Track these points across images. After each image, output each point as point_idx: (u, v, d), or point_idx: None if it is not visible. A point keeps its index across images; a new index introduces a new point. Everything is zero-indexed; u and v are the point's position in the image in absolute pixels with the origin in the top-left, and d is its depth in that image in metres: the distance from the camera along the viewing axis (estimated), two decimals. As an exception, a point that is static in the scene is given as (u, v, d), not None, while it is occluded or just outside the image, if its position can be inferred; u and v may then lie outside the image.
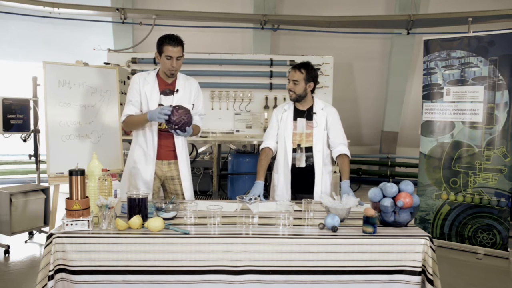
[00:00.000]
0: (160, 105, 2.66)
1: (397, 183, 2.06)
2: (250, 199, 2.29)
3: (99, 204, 1.90)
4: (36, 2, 5.70)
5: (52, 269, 1.78)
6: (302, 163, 2.75)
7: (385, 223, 2.03)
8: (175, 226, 1.95)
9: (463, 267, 3.68)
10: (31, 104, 4.44)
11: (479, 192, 3.93)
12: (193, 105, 2.79)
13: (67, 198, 1.89)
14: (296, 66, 2.74)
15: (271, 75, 5.99)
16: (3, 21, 6.52)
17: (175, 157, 2.77)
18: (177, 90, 2.72)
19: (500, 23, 5.63)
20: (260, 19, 6.22)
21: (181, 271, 1.82)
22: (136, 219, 1.91)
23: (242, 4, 6.86)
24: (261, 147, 2.87)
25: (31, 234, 4.20)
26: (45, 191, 4.19)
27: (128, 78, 5.46)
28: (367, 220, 1.91)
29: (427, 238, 1.87)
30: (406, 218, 2.00)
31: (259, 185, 2.61)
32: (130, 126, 2.75)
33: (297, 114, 2.80)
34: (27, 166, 6.74)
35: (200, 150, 6.03)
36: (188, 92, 2.78)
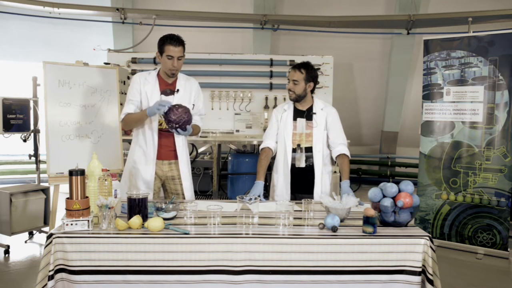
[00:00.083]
0: None
1: (397, 183, 2.05)
2: (250, 199, 2.29)
3: (99, 204, 1.90)
4: (36, 2, 5.70)
5: (52, 269, 1.78)
6: (302, 163, 2.75)
7: (385, 223, 2.03)
8: (175, 226, 1.95)
9: (463, 267, 3.68)
10: (31, 104, 4.44)
11: (479, 192, 3.93)
12: (194, 105, 2.79)
13: (67, 198, 1.89)
14: (296, 66, 2.74)
15: (271, 75, 5.99)
16: (3, 21, 6.52)
17: (176, 157, 2.77)
18: (178, 90, 2.73)
19: (500, 23, 5.63)
20: (260, 19, 6.23)
21: (181, 271, 1.82)
22: (136, 219, 1.91)
23: (242, 4, 6.86)
24: (261, 147, 2.87)
25: (31, 234, 4.20)
26: (45, 191, 4.19)
27: (128, 78, 5.46)
28: (367, 220, 1.91)
29: (427, 238, 1.87)
30: (406, 218, 2.00)
31: (259, 185, 2.61)
32: (129, 124, 2.74)
33: (297, 114, 2.80)
34: (27, 166, 6.74)
35: (200, 150, 6.04)
36: (189, 92, 2.78)
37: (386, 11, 6.85)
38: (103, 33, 6.79)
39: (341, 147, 2.77)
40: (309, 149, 2.76)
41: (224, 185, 5.99)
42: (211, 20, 6.36)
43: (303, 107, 2.80)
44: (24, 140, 4.41)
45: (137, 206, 1.99)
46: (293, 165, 2.76)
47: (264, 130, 2.90)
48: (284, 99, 5.89)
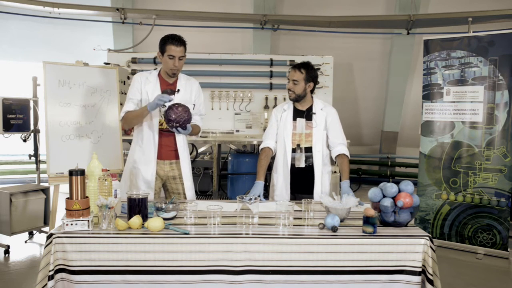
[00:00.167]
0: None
1: (397, 183, 2.05)
2: (250, 199, 2.29)
3: (99, 204, 1.90)
4: (36, 2, 5.70)
5: (52, 269, 1.78)
6: (301, 163, 2.75)
7: (385, 223, 2.03)
8: (175, 226, 1.95)
9: (463, 267, 3.68)
10: (31, 104, 4.45)
11: (479, 192, 3.93)
12: (194, 105, 2.79)
13: (67, 198, 1.89)
14: (296, 66, 2.73)
15: (271, 75, 5.99)
16: (3, 21, 6.52)
17: (177, 157, 2.78)
18: (178, 90, 2.73)
19: (500, 23, 5.63)
20: (260, 19, 6.23)
21: (181, 271, 1.82)
22: (136, 219, 1.91)
23: (242, 4, 6.87)
24: (260, 147, 2.87)
25: (31, 234, 4.20)
26: (45, 191, 4.19)
27: (128, 78, 5.46)
28: (367, 220, 1.91)
29: (427, 238, 1.87)
30: (406, 218, 2.00)
31: (259, 185, 2.61)
32: (129, 121, 2.73)
33: (297, 114, 2.80)
34: (27, 166, 6.74)
35: (200, 150, 6.04)
36: (189, 92, 2.79)
37: (386, 11, 6.85)
38: (103, 33, 6.79)
39: (341, 147, 2.77)
40: (308, 149, 2.76)
41: (224, 185, 5.99)
42: (211, 20, 6.36)
43: (302, 107, 2.80)
44: (24, 140, 4.41)
45: (137, 206, 1.99)
46: (292, 165, 2.76)
47: (264, 130, 2.89)
48: (284, 99, 5.89)
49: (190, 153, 3.10)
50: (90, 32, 6.78)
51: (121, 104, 3.81)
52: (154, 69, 2.80)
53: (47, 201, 4.17)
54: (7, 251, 3.78)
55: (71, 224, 1.85)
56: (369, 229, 1.90)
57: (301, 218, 2.09)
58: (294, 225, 2.01)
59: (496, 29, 4.27)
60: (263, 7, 6.63)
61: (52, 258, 1.79)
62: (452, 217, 4.08)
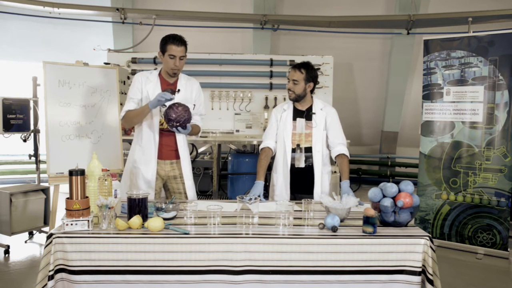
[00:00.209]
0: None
1: (397, 183, 2.05)
2: (250, 199, 2.29)
3: (99, 204, 1.90)
4: (36, 2, 5.70)
5: (52, 269, 1.78)
6: (301, 163, 2.75)
7: (385, 223, 2.03)
8: (175, 226, 1.95)
9: (463, 267, 3.68)
10: (31, 104, 4.45)
11: (479, 192, 3.93)
12: (194, 105, 2.80)
13: (67, 198, 1.89)
14: (296, 66, 2.74)
15: (271, 75, 5.99)
16: (3, 21, 6.52)
17: (177, 157, 2.78)
18: (179, 90, 2.73)
19: (500, 23, 5.63)
20: (260, 19, 6.23)
21: (181, 271, 1.82)
22: (136, 219, 1.91)
23: (242, 4, 6.87)
24: (260, 147, 2.87)
25: (31, 234, 4.20)
26: (45, 191, 4.19)
27: (128, 78, 5.46)
28: (367, 220, 1.91)
29: (427, 238, 1.87)
30: (406, 218, 2.00)
31: (259, 185, 2.61)
32: (130, 120, 2.72)
33: (296, 114, 2.80)
34: (27, 166, 6.74)
35: (200, 150, 6.04)
36: (190, 92, 2.79)
37: (386, 11, 6.85)
38: (103, 33, 6.79)
39: (340, 147, 2.77)
40: (308, 149, 2.76)
41: (224, 185, 5.99)
42: (211, 20, 6.36)
43: (302, 107, 2.80)
44: (24, 140, 4.41)
45: (137, 206, 1.99)
46: (292, 165, 2.76)
47: (264, 130, 2.90)
48: (284, 99, 5.89)
49: (190, 153, 3.10)
50: (90, 32, 6.78)
51: (121, 104, 3.81)
52: (154, 69, 2.80)
53: (47, 201, 4.17)
54: (7, 251, 3.78)
55: (71, 224, 1.85)
56: (369, 229, 1.90)
57: (301, 218, 2.09)
58: (294, 225, 2.01)
59: (496, 29, 4.27)
60: (263, 7, 6.63)
61: (52, 258, 1.79)
62: (452, 217, 4.08)
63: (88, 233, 1.84)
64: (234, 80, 5.98)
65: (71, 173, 1.89)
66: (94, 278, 1.81)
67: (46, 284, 1.77)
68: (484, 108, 3.88)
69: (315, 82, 2.77)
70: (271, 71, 5.99)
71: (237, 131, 5.93)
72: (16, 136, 4.42)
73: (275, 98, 6.01)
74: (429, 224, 4.20)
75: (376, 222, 1.94)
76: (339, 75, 6.32)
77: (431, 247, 1.85)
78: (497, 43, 3.80)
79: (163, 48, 2.62)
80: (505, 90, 3.78)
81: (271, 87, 6.01)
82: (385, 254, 1.85)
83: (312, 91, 2.79)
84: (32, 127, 4.45)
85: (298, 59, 4.52)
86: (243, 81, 5.99)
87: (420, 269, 1.85)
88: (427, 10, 6.60)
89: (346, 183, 2.60)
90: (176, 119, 2.50)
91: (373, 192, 2.05)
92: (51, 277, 1.77)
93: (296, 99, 2.76)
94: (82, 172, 1.91)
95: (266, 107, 5.99)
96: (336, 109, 2.85)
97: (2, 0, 5.58)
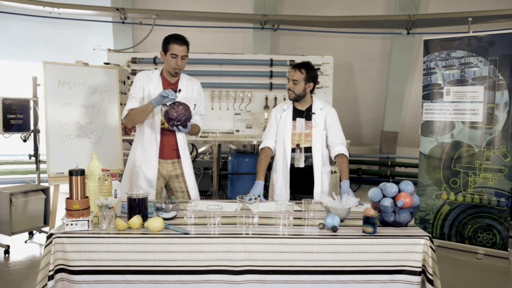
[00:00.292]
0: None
1: (397, 183, 2.05)
2: (250, 199, 2.29)
3: (99, 204, 1.90)
4: (36, 2, 5.70)
5: (52, 269, 1.78)
6: (301, 163, 2.75)
7: (385, 223, 2.03)
8: (175, 226, 1.95)
9: (463, 267, 3.68)
10: (31, 104, 4.44)
11: (479, 192, 3.93)
12: (195, 105, 2.80)
13: (67, 198, 1.89)
14: (296, 66, 2.74)
15: (271, 75, 5.99)
16: (3, 21, 6.52)
17: (178, 156, 2.78)
18: (180, 90, 2.73)
19: (500, 23, 5.63)
20: (260, 19, 6.23)
21: (181, 271, 1.82)
22: (136, 219, 1.91)
23: (242, 4, 6.87)
24: (260, 147, 2.87)
25: (31, 234, 4.20)
26: (45, 191, 4.19)
27: (128, 78, 5.46)
28: (367, 220, 1.91)
29: (427, 238, 1.87)
30: (406, 218, 2.00)
31: (259, 185, 2.61)
32: (133, 118, 2.71)
33: (296, 114, 2.80)
34: (27, 166, 6.74)
35: (200, 150, 6.04)
36: (191, 92, 2.80)
37: (386, 11, 6.85)
38: (103, 33, 6.79)
39: (340, 147, 2.77)
40: (308, 149, 2.76)
41: (224, 185, 5.99)
42: (211, 20, 6.36)
43: (302, 107, 2.80)
44: (24, 140, 4.41)
45: (137, 206, 1.99)
46: (292, 165, 2.76)
47: (264, 130, 2.90)
48: (284, 99, 5.89)
49: (190, 153, 3.10)
50: (90, 32, 6.78)
51: (121, 104, 3.82)
52: (155, 69, 2.80)
53: (47, 201, 4.17)
54: (7, 251, 3.78)
55: (71, 224, 1.85)
56: (369, 229, 1.90)
57: (301, 218, 2.09)
58: (294, 225, 2.01)
59: (496, 29, 4.27)
60: (263, 7, 6.63)
61: (52, 258, 1.79)
62: (452, 217, 4.08)
63: (88, 233, 1.84)
64: (234, 80, 5.98)
65: (71, 173, 1.89)
66: (94, 278, 1.81)
67: (46, 284, 1.77)
68: (484, 108, 3.88)
69: (315, 82, 2.77)
70: (271, 71, 5.99)
71: (237, 131, 5.93)
72: (16, 136, 4.42)
73: (275, 98, 6.01)
74: (429, 224, 4.20)
75: (376, 222, 1.94)
76: (339, 75, 6.32)
77: (431, 247, 1.85)
78: (497, 43, 3.80)
79: (165, 48, 2.63)
80: (505, 90, 3.78)
81: (271, 87, 6.01)
82: (385, 254, 1.85)
83: (312, 91, 2.79)
84: (32, 127, 4.45)
85: (298, 59, 4.52)
86: (243, 81, 5.99)
87: (420, 269, 1.85)
88: (427, 10, 6.60)
89: (346, 183, 2.60)
90: (177, 118, 2.50)
91: (373, 192, 2.05)
92: (51, 277, 1.77)
93: (296, 99, 2.76)
94: (82, 172, 1.91)
95: (266, 107, 5.99)
96: (336, 109, 2.85)
97: (2, 0, 5.58)
